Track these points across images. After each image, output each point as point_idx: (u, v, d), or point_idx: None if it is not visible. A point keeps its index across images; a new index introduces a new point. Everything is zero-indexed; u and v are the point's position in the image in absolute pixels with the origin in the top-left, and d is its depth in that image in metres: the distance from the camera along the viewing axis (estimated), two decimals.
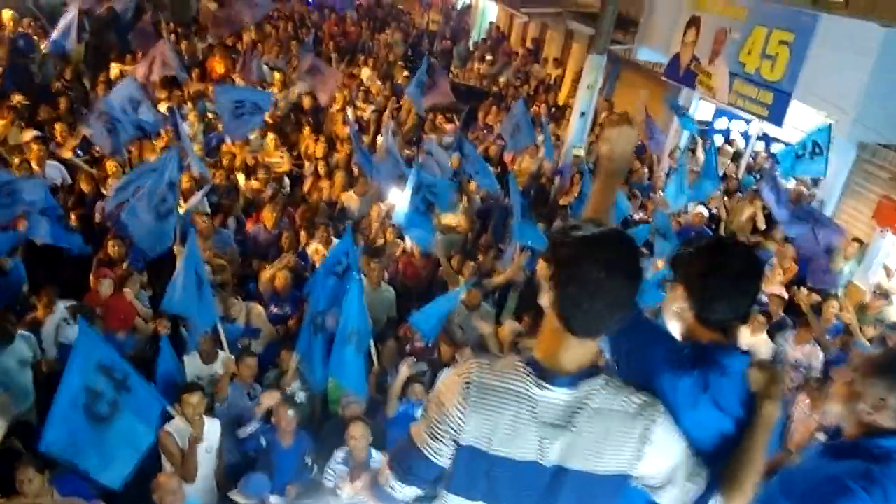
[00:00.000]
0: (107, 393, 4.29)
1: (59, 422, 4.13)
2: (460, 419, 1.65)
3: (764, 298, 8.26)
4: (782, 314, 8.14)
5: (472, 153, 9.49)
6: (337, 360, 5.83)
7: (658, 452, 1.66)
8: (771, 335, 7.64)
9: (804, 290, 8.73)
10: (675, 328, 1.93)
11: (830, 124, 8.96)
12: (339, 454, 5.10)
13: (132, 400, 4.41)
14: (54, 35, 10.60)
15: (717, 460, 1.76)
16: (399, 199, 7.87)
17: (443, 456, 1.70)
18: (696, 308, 1.85)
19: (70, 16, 10.52)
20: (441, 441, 1.69)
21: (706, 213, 10.14)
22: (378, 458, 4.98)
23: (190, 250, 5.79)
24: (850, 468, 2.05)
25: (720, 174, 10.49)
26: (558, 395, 1.62)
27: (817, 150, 8.84)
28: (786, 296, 8.52)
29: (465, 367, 1.70)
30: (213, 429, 5.11)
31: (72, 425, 4.15)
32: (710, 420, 1.78)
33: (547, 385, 1.62)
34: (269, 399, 5.33)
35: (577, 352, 1.64)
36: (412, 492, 1.81)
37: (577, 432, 1.62)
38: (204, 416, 5.02)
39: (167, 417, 4.91)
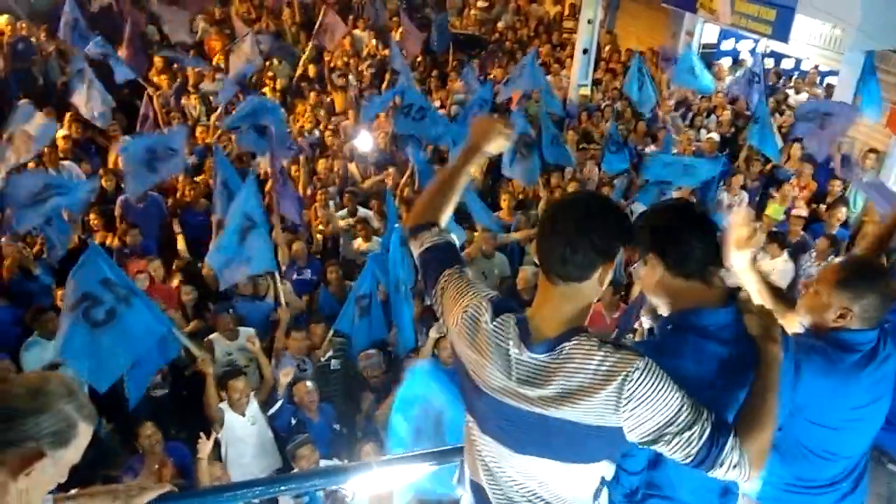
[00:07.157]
0: (107, 301, 4.46)
1: (65, 329, 4.38)
2: (456, 318, 1.87)
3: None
4: (803, 233, 8.10)
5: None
6: (398, 315, 6.01)
7: (636, 408, 1.65)
8: (796, 258, 7.64)
9: (823, 207, 8.72)
10: (662, 305, 1.98)
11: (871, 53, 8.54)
12: None
13: (131, 314, 4.55)
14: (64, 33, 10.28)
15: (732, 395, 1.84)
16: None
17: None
18: (674, 264, 1.90)
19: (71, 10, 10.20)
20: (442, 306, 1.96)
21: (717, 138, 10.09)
22: None
23: (247, 194, 5.78)
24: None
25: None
26: (535, 357, 1.73)
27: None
28: (805, 214, 8.50)
29: (481, 299, 1.85)
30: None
31: (72, 329, 4.36)
32: (713, 360, 1.85)
33: (526, 349, 1.74)
34: (285, 377, 5.42)
35: (562, 307, 1.75)
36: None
37: (549, 388, 1.70)
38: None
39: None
